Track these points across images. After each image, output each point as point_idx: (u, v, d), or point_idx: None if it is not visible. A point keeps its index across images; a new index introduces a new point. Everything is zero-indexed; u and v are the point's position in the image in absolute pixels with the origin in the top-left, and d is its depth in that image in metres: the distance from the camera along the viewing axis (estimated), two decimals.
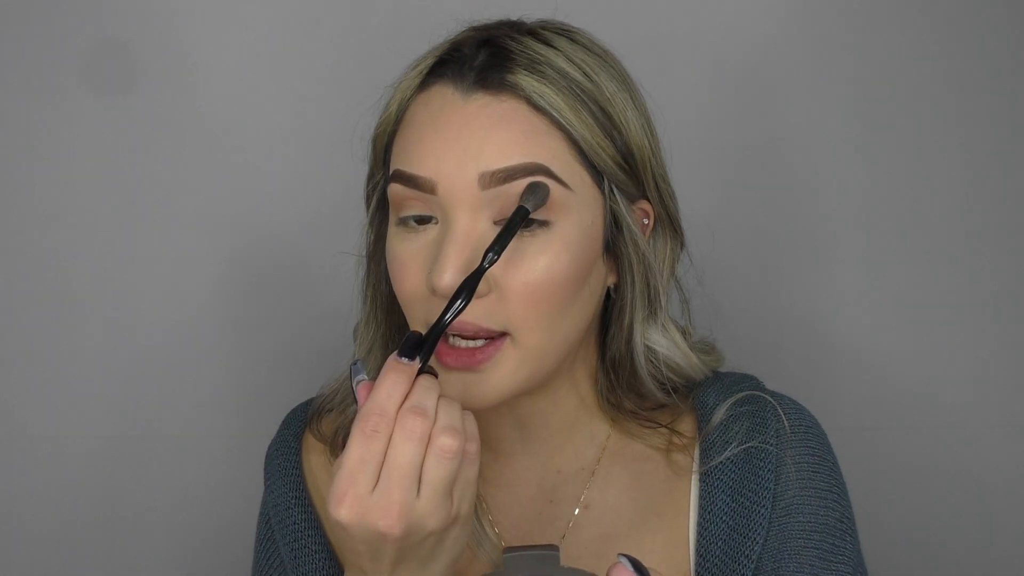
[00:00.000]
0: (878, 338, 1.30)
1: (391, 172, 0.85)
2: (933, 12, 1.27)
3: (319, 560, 0.92)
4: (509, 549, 0.75)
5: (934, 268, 1.29)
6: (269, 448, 0.99)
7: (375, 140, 0.89)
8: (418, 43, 0.89)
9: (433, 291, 0.80)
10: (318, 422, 0.97)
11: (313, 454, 0.97)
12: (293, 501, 0.94)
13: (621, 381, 0.91)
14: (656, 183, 0.88)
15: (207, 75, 1.29)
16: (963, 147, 1.27)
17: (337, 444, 0.95)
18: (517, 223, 0.79)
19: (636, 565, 0.69)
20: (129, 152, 1.30)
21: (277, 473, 0.96)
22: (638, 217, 0.88)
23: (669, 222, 0.90)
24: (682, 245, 0.93)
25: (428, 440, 0.72)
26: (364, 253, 0.94)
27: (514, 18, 0.90)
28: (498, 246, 0.78)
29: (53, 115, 1.29)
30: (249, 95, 1.30)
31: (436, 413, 0.73)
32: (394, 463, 0.71)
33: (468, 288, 0.77)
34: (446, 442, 0.72)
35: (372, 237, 0.93)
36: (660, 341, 0.91)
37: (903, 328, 1.30)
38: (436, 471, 0.72)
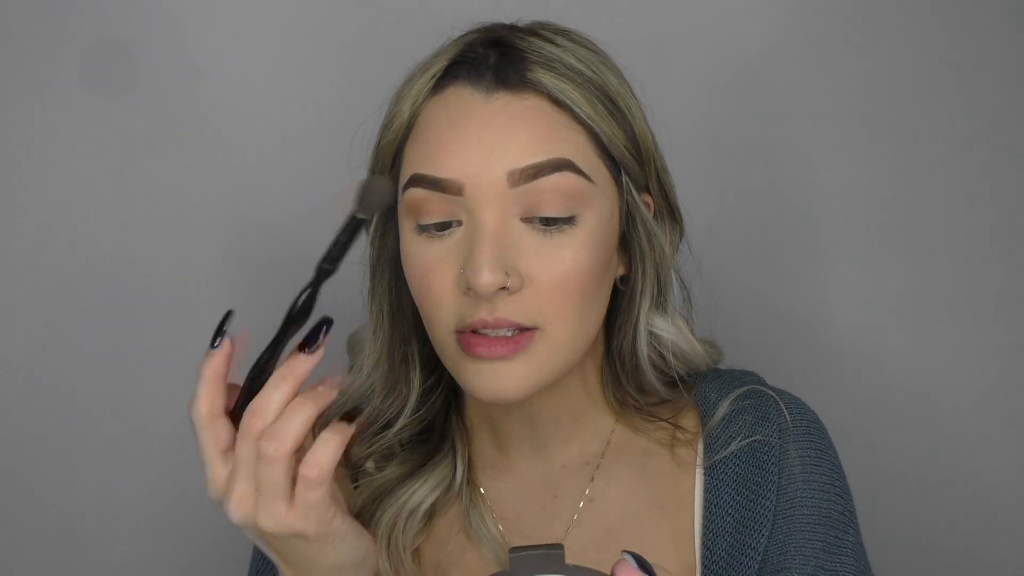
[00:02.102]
0: (878, 338, 1.30)
1: (409, 177, 0.84)
2: (932, 12, 1.27)
3: None
4: (514, 549, 0.74)
5: (934, 268, 1.29)
6: None
7: (382, 148, 0.88)
8: (418, 46, 0.89)
9: (468, 290, 0.80)
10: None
11: None
12: None
13: (626, 373, 0.92)
14: (658, 173, 0.89)
15: (208, 76, 1.29)
16: (963, 147, 1.28)
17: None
18: (350, 233, 0.75)
19: (641, 562, 0.69)
20: (129, 152, 1.29)
21: None
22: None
23: (669, 211, 0.91)
24: (681, 233, 0.94)
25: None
26: (368, 263, 0.93)
27: (508, 22, 0.89)
28: (331, 256, 0.75)
29: (53, 115, 1.28)
30: (250, 96, 1.30)
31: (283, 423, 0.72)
32: (236, 457, 0.73)
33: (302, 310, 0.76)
34: (262, 447, 0.72)
35: (377, 249, 0.92)
36: (667, 328, 0.91)
37: (903, 328, 1.30)
38: (260, 474, 0.72)
